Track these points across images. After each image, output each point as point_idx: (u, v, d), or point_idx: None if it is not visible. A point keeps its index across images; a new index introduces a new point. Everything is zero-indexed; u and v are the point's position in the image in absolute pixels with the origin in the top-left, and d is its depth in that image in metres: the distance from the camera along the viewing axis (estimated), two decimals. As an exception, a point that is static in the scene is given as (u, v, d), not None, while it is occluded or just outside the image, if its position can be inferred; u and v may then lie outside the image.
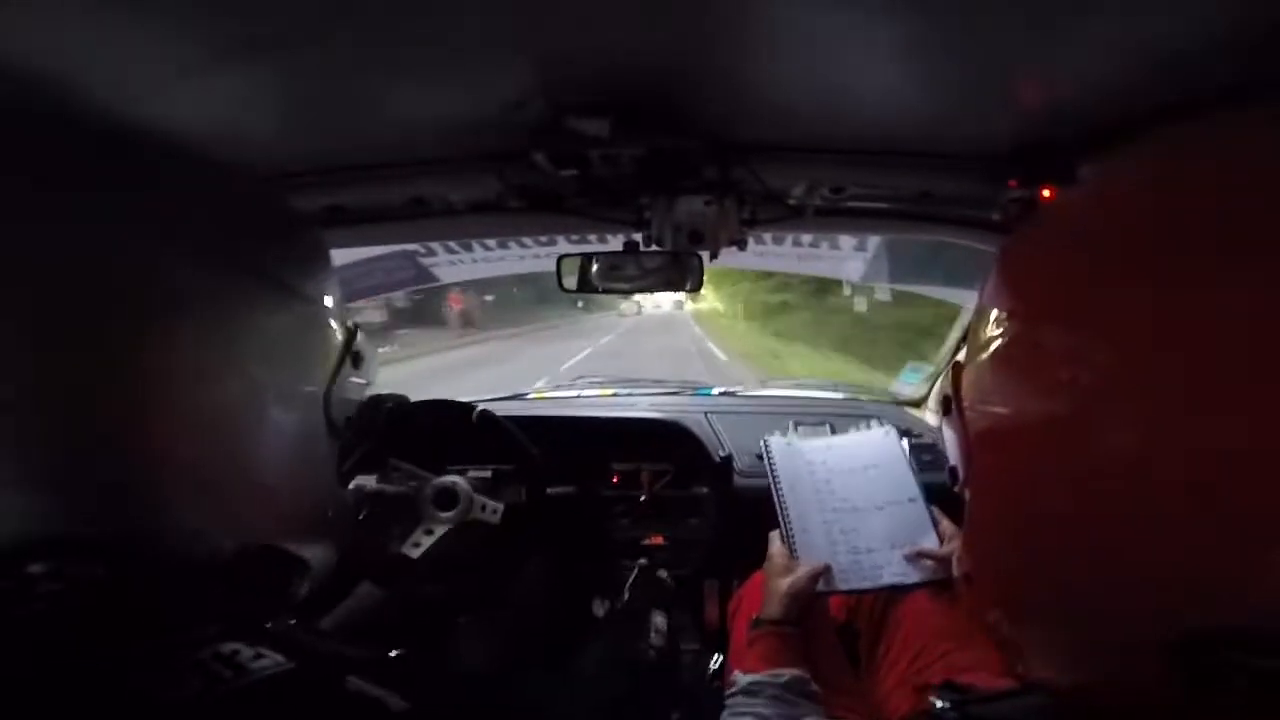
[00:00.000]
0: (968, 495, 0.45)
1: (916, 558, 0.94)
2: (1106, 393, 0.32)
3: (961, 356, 0.47)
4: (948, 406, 0.46)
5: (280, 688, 0.41)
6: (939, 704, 0.52)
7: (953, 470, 0.47)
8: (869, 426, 1.18)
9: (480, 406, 1.23)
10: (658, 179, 0.93)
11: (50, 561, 0.35)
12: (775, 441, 1.12)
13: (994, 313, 0.42)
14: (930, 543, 0.95)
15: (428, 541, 1.10)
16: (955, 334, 1.51)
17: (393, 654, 0.59)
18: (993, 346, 0.40)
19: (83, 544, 0.35)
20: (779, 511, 1.00)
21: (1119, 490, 0.31)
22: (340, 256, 1.56)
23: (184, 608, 0.41)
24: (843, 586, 0.93)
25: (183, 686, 0.37)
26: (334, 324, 0.51)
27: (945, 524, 0.97)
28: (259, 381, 0.43)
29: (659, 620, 1.36)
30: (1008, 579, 0.42)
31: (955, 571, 0.52)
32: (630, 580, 1.39)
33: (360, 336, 0.53)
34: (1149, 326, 0.31)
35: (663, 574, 1.41)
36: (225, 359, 0.41)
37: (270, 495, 0.44)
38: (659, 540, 1.46)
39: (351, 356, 0.51)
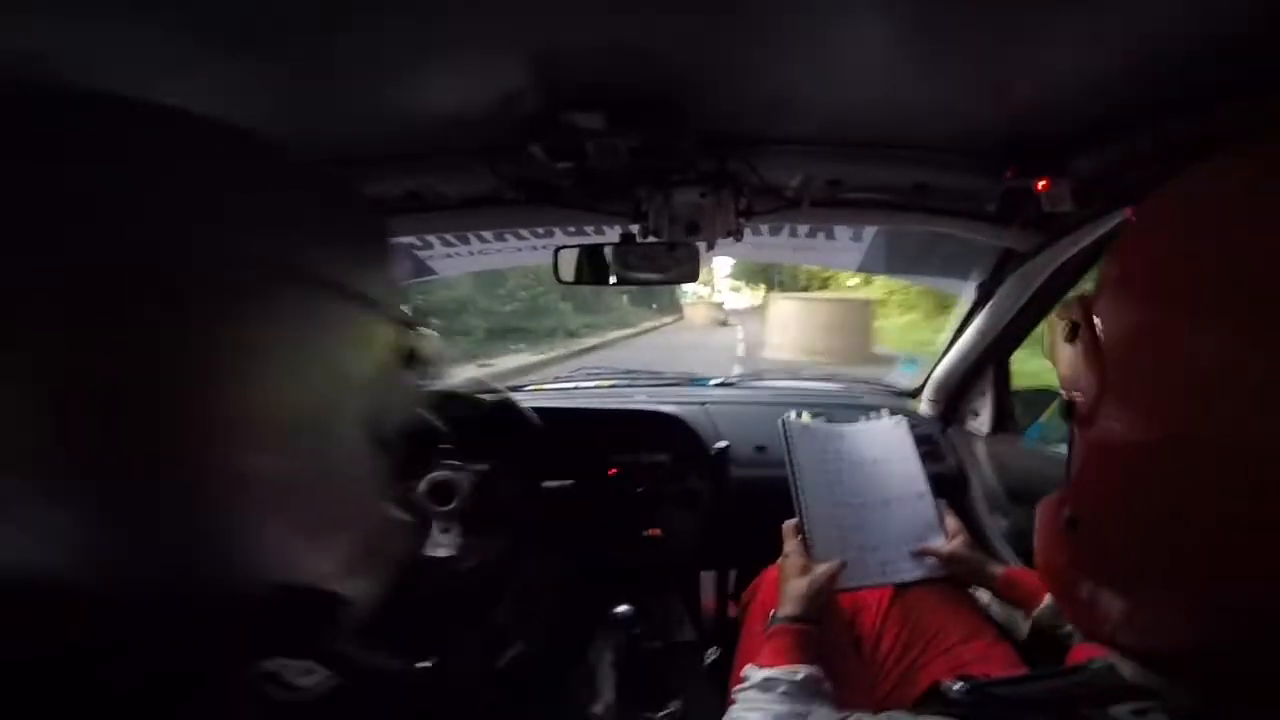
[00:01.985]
0: (1082, 433, 0.42)
1: (921, 554, 0.95)
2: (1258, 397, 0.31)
3: (1089, 289, 0.44)
4: (1075, 333, 0.43)
5: (333, 703, 0.41)
6: (955, 686, 0.52)
7: (1069, 403, 0.43)
8: (879, 416, 1.16)
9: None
10: (654, 171, 0.93)
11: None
12: (794, 422, 1.09)
13: (1148, 266, 0.39)
14: (936, 540, 0.96)
15: (448, 540, 1.10)
16: (953, 325, 1.51)
17: (424, 664, 0.59)
18: (1138, 312, 0.39)
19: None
20: (795, 500, 0.99)
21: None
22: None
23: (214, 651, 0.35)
24: (849, 584, 0.93)
25: (237, 712, 0.35)
26: (379, 322, 0.39)
27: (951, 520, 0.97)
28: (276, 398, 0.34)
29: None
30: (1122, 528, 0.39)
31: (997, 549, 0.47)
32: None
33: (418, 333, 0.43)
34: None
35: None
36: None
37: (303, 524, 0.36)
38: (656, 532, 1.47)
39: (406, 357, 0.41)
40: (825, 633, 0.87)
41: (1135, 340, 0.39)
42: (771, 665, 0.77)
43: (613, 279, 1.11)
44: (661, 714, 1.27)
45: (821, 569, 0.89)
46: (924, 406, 1.62)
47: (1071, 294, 0.45)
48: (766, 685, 0.74)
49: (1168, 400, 0.35)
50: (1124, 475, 0.39)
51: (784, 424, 1.07)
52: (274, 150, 0.37)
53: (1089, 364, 0.41)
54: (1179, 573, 0.36)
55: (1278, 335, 0.30)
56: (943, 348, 1.53)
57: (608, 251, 1.09)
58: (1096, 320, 0.41)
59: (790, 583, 0.89)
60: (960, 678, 0.55)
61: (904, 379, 1.76)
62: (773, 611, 0.87)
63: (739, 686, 0.77)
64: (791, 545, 0.94)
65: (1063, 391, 0.45)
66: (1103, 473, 0.41)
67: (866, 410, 1.20)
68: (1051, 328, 0.47)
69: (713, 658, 1.36)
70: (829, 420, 1.42)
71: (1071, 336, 0.43)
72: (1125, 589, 0.40)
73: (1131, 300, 0.40)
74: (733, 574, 1.53)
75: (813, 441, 1.07)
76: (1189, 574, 0.35)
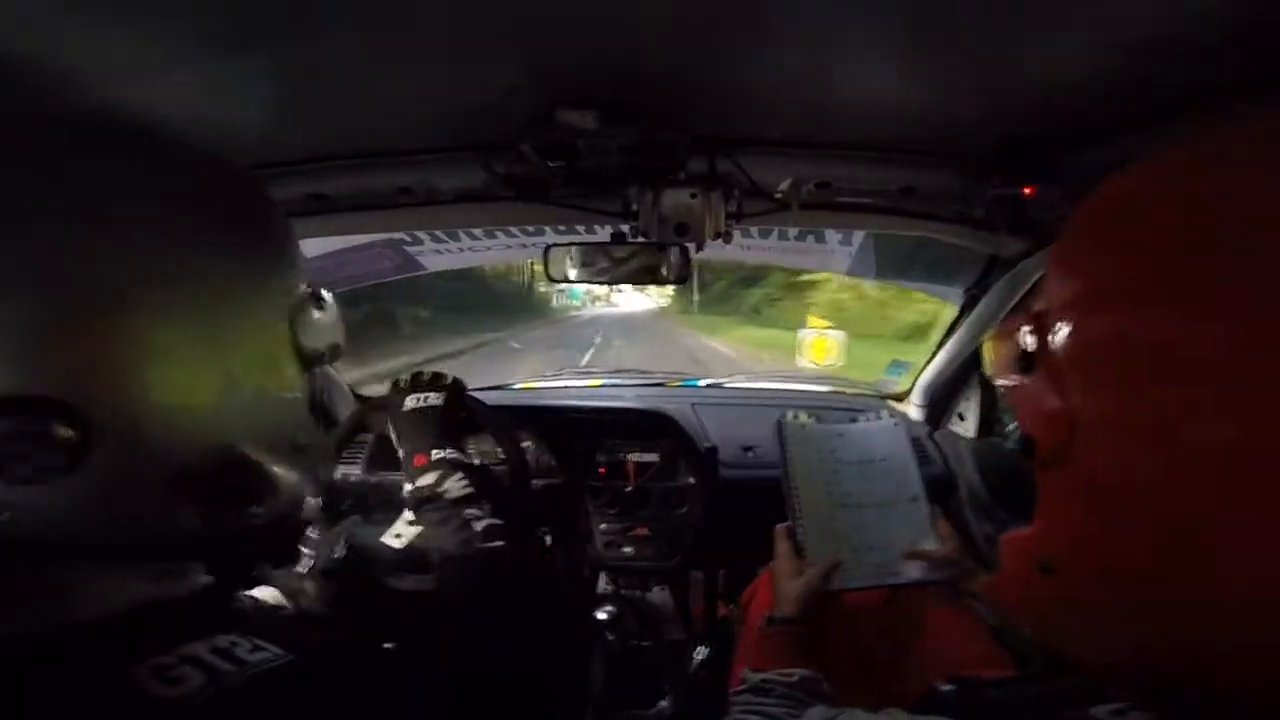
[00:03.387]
0: (1049, 472, 0.39)
1: (915, 558, 0.94)
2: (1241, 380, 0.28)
3: (1041, 305, 0.39)
4: (1028, 363, 0.39)
5: (280, 680, 0.41)
6: (944, 687, 0.53)
7: (1027, 440, 0.40)
8: (878, 416, 1.14)
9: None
10: (645, 171, 0.93)
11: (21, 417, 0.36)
12: (791, 423, 1.07)
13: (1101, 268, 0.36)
14: (929, 543, 0.95)
15: (410, 532, 1.09)
16: (940, 330, 1.52)
17: (386, 646, 0.59)
18: (1097, 318, 0.35)
19: (54, 403, 0.36)
20: (789, 501, 0.98)
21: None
22: (325, 245, 1.57)
23: (155, 496, 0.42)
24: (842, 585, 0.92)
25: (184, 682, 0.37)
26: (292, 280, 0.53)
27: (943, 524, 0.97)
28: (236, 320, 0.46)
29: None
30: (1107, 574, 0.36)
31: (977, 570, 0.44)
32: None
33: (327, 302, 0.56)
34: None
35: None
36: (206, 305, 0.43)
37: (238, 413, 0.46)
38: (644, 531, 1.47)
39: (315, 297, 0.54)
40: (824, 634, 0.87)
41: (1118, 368, 0.34)
42: (767, 668, 0.77)
43: (600, 278, 1.11)
44: (649, 712, 1.28)
45: (814, 570, 0.89)
46: (911, 410, 1.64)
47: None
48: (762, 688, 0.74)
49: (1163, 436, 0.31)
50: (1106, 520, 0.35)
51: (780, 424, 1.06)
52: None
53: (1053, 398, 0.37)
54: (1170, 617, 0.33)
55: None
56: (930, 352, 1.55)
57: (597, 250, 1.09)
58: (1057, 345, 0.37)
59: (783, 584, 0.89)
60: (952, 679, 0.55)
61: (892, 382, 1.77)
62: (766, 614, 0.87)
63: (736, 689, 0.77)
64: (784, 547, 0.94)
65: (1017, 427, 0.42)
66: (1080, 517, 0.37)
67: (854, 413, 1.20)
68: (994, 354, 0.43)
69: (701, 657, 1.37)
70: (818, 422, 1.43)
71: (1026, 367, 0.39)
72: (1110, 631, 0.36)
73: (1106, 316, 0.35)
74: (721, 574, 1.54)
75: (810, 442, 1.06)
76: (1180, 618, 0.32)
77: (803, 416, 1.16)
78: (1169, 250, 0.32)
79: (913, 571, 0.94)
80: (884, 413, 1.15)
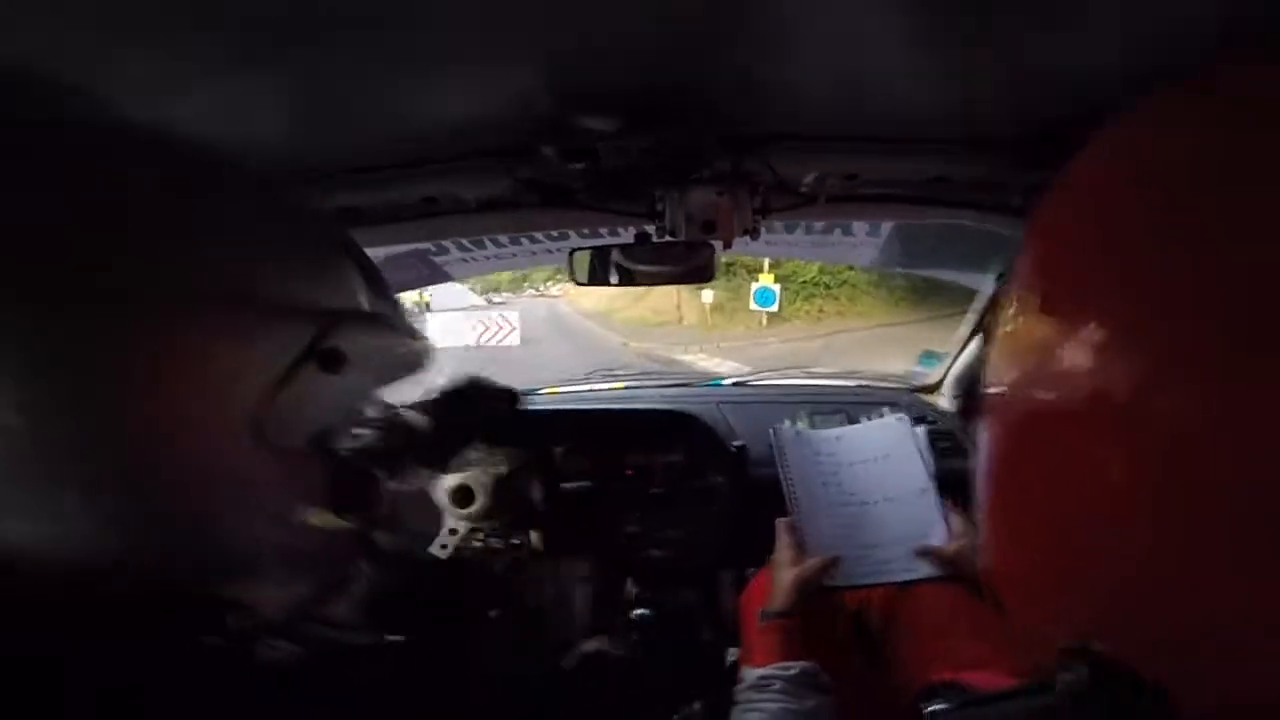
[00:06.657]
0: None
1: (924, 553, 0.93)
2: (1150, 375, 0.28)
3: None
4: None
5: (291, 673, 0.42)
6: (932, 708, 0.52)
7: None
8: (881, 414, 1.16)
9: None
10: (669, 170, 0.92)
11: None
12: (784, 430, 1.10)
13: (1023, 287, 0.38)
14: (939, 537, 0.94)
15: (454, 541, 1.10)
16: (971, 319, 1.49)
17: (390, 638, 0.58)
18: (1016, 322, 0.38)
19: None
20: (788, 502, 0.99)
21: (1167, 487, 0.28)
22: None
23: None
24: (846, 582, 0.92)
25: (197, 673, 0.38)
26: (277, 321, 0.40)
27: (955, 518, 0.95)
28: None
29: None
30: (989, 523, 0.41)
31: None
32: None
33: (349, 330, 0.43)
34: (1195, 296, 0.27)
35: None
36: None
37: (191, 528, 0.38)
38: (674, 532, 1.47)
39: (320, 356, 0.41)
40: (827, 631, 0.86)
41: (1005, 332, 0.39)
42: (765, 663, 0.76)
43: (627, 280, 1.11)
44: (681, 714, 1.27)
45: (812, 561, 0.89)
46: (944, 401, 1.60)
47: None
48: (761, 684, 0.74)
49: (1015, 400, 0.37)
50: (988, 476, 0.40)
51: (774, 433, 1.08)
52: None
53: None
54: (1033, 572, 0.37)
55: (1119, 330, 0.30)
56: (962, 341, 1.52)
57: (623, 252, 1.09)
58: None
59: (780, 574, 0.89)
60: (950, 689, 0.54)
61: (924, 374, 1.74)
62: (761, 608, 0.86)
63: (737, 687, 0.77)
64: (785, 540, 0.94)
65: None
66: (985, 472, 0.42)
67: (882, 406, 1.20)
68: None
69: (732, 658, 1.36)
70: (847, 418, 1.41)
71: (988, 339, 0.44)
72: (1001, 586, 0.40)
73: (1013, 295, 0.39)
74: (751, 573, 1.52)
75: (805, 447, 1.07)
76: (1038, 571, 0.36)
77: (800, 423, 1.18)
78: (1061, 247, 0.37)
79: (919, 568, 0.92)
80: (886, 410, 1.15)
